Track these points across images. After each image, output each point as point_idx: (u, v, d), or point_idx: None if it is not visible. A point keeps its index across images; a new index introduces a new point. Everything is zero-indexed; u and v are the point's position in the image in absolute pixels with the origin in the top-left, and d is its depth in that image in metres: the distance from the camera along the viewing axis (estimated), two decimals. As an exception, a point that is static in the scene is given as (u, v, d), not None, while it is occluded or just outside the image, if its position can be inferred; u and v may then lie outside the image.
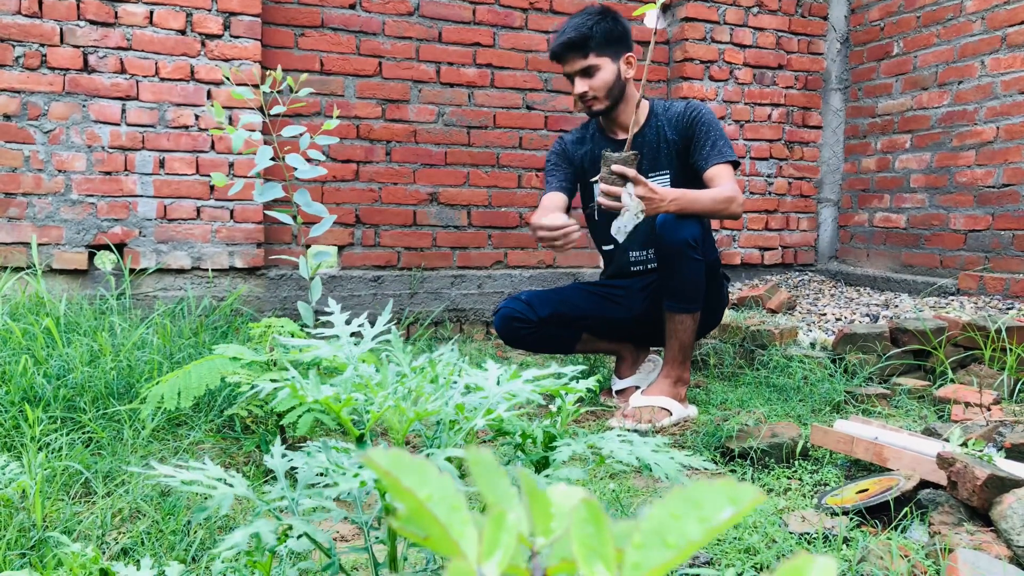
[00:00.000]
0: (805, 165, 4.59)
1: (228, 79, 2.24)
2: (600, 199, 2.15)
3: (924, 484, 1.63)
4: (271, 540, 0.61)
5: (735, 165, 2.40)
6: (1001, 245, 3.70)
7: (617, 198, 2.12)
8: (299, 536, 0.63)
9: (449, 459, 0.63)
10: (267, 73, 3.44)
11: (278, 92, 2.35)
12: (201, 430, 2.01)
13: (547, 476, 0.75)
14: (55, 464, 1.63)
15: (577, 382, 0.87)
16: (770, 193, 4.51)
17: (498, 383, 0.70)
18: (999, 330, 2.68)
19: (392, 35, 3.74)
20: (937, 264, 4.03)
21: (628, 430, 2.15)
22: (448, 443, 0.66)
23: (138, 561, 1.32)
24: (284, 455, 0.76)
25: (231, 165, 3.39)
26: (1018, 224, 3.61)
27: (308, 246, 3.51)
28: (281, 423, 1.75)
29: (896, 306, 3.58)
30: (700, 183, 2.40)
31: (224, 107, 3.33)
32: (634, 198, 2.15)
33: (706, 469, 1.84)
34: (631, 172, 2.11)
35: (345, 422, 0.68)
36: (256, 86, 3.33)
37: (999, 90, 3.73)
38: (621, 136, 2.55)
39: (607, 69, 2.45)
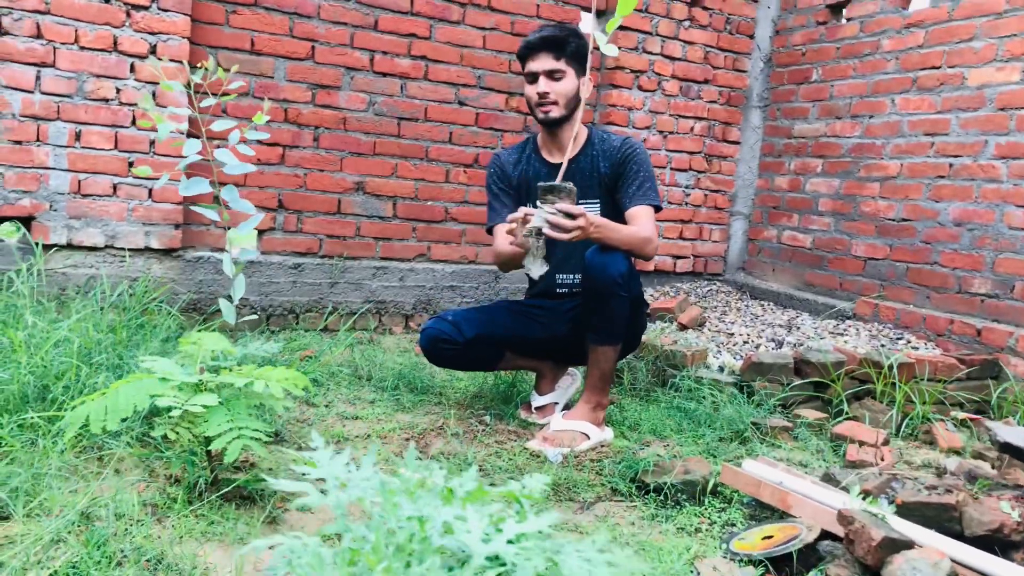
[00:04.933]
0: (721, 179, 4.76)
1: (158, 68, 2.16)
2: (548, 231, 2.18)
3: (824, 534, 1.76)
4: None
5: (657, 209, 2.49)
6: (896, 275, 3.94)
7: (563, 230, 2.17)
8: None
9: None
10: (199, 63, 3.32)
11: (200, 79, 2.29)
12: (121, 440, 1.97)
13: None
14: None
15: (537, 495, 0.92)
16: (686, 204, 4.66)
17: (485, 540, 0.73)
18: (891, 366, 2.88)
19: (327, 19, 3.66)
20: (837, 286, 4.26)
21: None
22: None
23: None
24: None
25: (151, 143, 3.27)
26: (913, 257, 3.86)
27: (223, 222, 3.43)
28: (209, 448, 1.74)
29: (798, 328, 3.78)
30: (623, 218, 2.49)
31: (146, 81, 3.20)
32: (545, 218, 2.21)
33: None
34: (576, 209, 2.16)
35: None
36: (188, 67, 3.22)
37: (906, 129, 3.95)
38: (557, 159, 2.59)
39: (571, 80, 2.50)
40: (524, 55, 2.52)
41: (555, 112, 2.50)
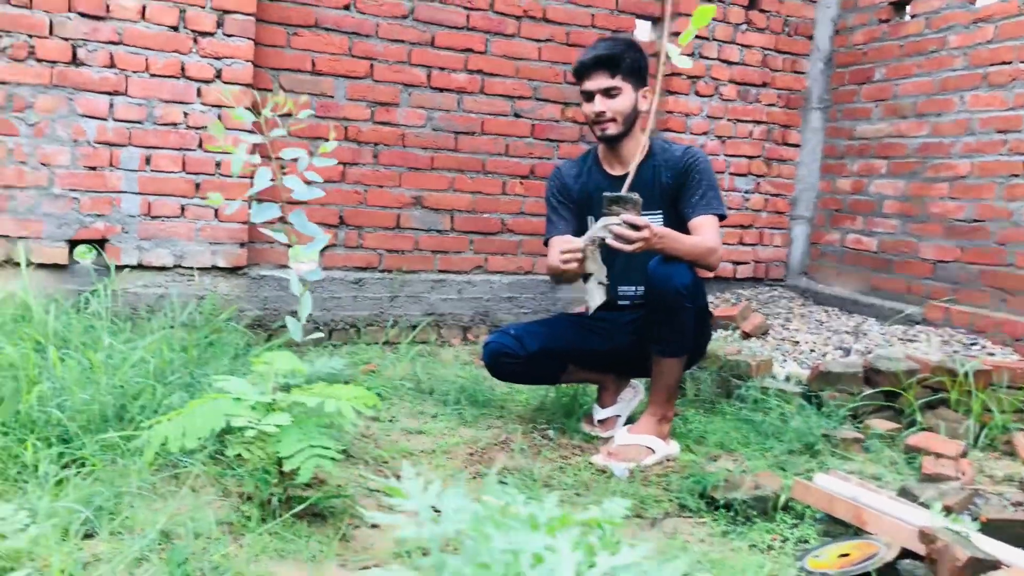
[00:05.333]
0: (782, 182, 4.68)
1: (228, 95, 2.22)
2: (612, 242, 2.19)
3: (904, 553, 1.71)
4: None
5: (721, 218, 2.46)
6: (968, 278, 3.82)
7: (627, 241, 2.17)
8: None
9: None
10: (265, 96, 3.40)
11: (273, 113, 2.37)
12: (195, 458, 2.02)
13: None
14: (57, 506, 1.63)
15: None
16: (746, 209, 4.59)
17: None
18: (967, 374, 2.79)
19: (385, 38, 3.71)
20: (905, 290, 4.15)
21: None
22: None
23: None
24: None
25: (218, 164, 3.36)
26: (986, 259, 3.74)
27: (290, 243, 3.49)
28: (283, 470, 1.77)
29: (865, 334, 3.69)
30: (687, 228, 2.46)
31: (212, 105, 3.29)
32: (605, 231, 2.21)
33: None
34: (641, 220, 2.16)
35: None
36: (251, 96, 3.30)
37: (976, 127, 3.83)
38: (618, 171, 2.58)
39: (628, 95, 2.48)
40: (579, 74, 2.51)
41: (612, 129, 2.49)
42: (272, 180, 2.20)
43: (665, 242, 2.27)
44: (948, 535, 1.59)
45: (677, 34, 4.22)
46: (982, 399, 2.73)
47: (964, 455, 2.38)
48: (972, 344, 3.49)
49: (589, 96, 2.50)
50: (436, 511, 0.92)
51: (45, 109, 3.07)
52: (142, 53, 3.18)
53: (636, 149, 2.52)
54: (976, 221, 3.81)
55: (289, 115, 2.21)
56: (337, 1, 3.59)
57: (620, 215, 2.18)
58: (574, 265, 2.25)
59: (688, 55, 4.26)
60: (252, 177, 2.30)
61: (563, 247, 2.27)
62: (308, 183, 2.24)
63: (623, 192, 2.23)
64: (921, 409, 2.75)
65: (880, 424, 2.67)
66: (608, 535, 0.94)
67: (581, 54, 2.55)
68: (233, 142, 2.30)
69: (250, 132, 2.86)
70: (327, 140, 3.61)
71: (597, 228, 2.23)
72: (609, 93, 2.46)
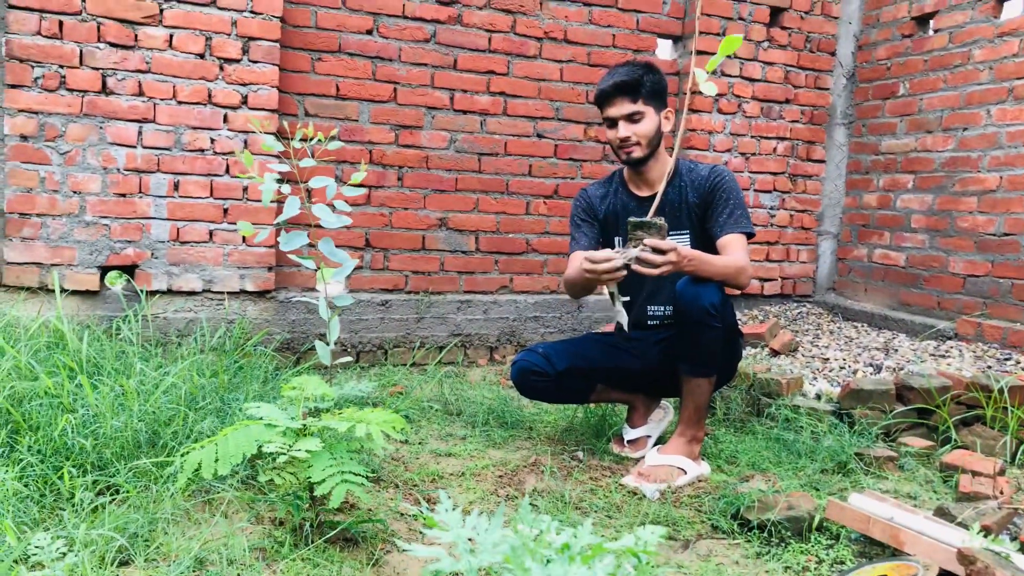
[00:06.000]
0: (807, 198, 4.65)
1: (256, 124, 2.25)
2: (637, 267, 2.18)
3: (942, 574, 1.68)
4: None
5: (749, 236, 2.45)
6: (1000, 293, 3.77)
7: (652, 265, 2.17)
8: None
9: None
10: (291, 121, 3.44)
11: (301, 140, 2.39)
12: (227, 484, 2.03)
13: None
14: (93, 534, 1.65)
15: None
16: (772, 225, 4.57)
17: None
18: (1001, 390, 2.75)
19: (408, 61, 3.75)
20: (935, 305, 4.10)
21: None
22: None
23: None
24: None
25: (245, 189, 3.39)
26: (1018, 273, 3.69)
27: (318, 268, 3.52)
28: (314, 495, 1.78)
29: (896, 350, 3.64)
30: (715, 247, 2.45)
31: (238, 131, 3.33)
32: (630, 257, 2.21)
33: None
34: (666, 244, 2.15)
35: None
36: (276, 121, 3.34)
37: (1004, 140, 3.79)
38: (645, 193, 2.58)
39: (651, 119, 2.48)
40: (600, 101, 2.51)
41: (638, 153, 2.49)
42: (301, 207, 2.22)
43: (695, 264, 2.26)
44: (987, 556, 1.56)
45: (700, 52, 4.22)
46: (1018, 415, 2.68)
47: (1001, 473, 2.34)
48: (1006, 359, 3.44)
49: (612, 122, 2.50)
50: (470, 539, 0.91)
51: (76, 138, 3.12)
52: (170, 81, 3.23)
53: (662, 170, 2.52)
54: (1007, 235, 3.76)
55: (319, 140, 2.23)
56: (360, 26, 3.64)
57: (644, 240, 2.17)
58: (620, 275, 2.23)
59: (710, 72, 4.28)
60: (280, 202, 2.33)
61: (595, 258, 2.23)
62: (335, 211, 2.26)
63: (649, 216, 2.22)
64: (955, 426, 2.71)
65: (914, 442, 2.63)
66: (644, 565, 0.93)
67: (601, 81, 2.54)
68: (260, 169, 2.33)
69: (277, 158, 2.89)
70: (352, 163, 3.68)
71: (624, 254, 2.23)
72: (632, 118, 2.46)
